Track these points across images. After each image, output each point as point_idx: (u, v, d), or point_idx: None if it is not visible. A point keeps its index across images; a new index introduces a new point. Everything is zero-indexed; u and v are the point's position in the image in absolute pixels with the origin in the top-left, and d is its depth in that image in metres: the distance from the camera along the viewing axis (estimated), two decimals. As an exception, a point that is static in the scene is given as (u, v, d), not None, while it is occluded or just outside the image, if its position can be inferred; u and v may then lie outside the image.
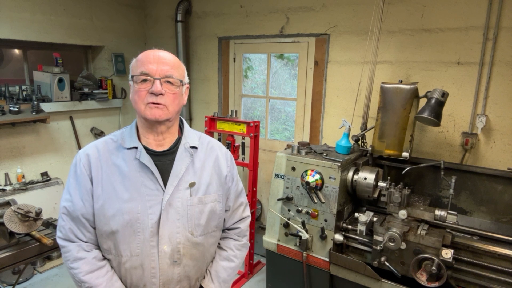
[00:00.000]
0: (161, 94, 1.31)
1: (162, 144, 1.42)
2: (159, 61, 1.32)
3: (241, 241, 1.62)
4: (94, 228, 1.38)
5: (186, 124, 1.52)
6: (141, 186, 1.35)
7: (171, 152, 1.42)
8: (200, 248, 1.45)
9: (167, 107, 1.33)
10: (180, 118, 1.51)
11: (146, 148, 1.39)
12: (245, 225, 1.64)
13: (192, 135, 1.50)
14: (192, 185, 1.41)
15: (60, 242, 1.39)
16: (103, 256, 1.40)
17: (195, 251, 1.44)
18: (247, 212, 1.66)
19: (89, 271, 1.34)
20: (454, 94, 2.87)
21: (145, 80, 1.31)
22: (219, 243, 1.59)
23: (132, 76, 1.34)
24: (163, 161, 1.40)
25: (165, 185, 1.37)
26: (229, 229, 1.61)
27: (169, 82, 1.33)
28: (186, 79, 1.42)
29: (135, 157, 1.37)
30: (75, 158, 1.41)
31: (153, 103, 1.31)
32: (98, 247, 1.41)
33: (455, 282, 2.19)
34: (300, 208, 2.62)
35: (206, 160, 1.48)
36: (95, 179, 1.36)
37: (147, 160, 1.36)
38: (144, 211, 1.34)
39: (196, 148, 1.47)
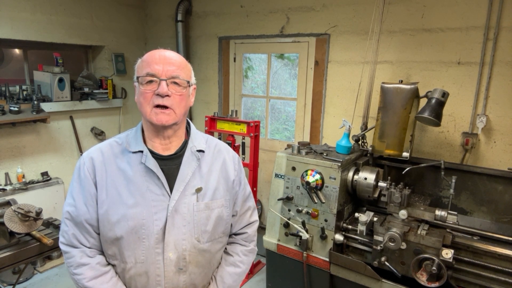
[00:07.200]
0: (167, 95, 1.26)
1: (168, 148, 1.37)
2: (165, 61, 1.28)
3: (248, 246, 1.57)
4: (98, 234, 1.34)
5: (193, 127, 1.47)
6: (147, 191, 1.31)
7: (178, 156, 1.37)
8: (206, 255, 1.41)
9: (173, 110, 1.28)
10: (187, 120, 1.46)
11: (152, 152, 1.34)
12: (252, 230, 1.59)
13: (199, 138, 1.45)
14: (198, 190, 1.36)
15: (63, 247, 1.35)
16: (107, 261, 1.36)
17: (202, 258, 1.39)
18: (255, 217, 1.61)
19: (93, 277, 1.30)
20: (454, 94, 2.87)
21: (150, 81, 1.27)
22: (225, 248, 1.54)
23: (137, 77, 1.30)
24: (169, 165, 1.36)
25: (171, 190, 1.33)
26: (236, 234, 1.56)
27: (175, 83, 1.28)
28: (193, 80, 1.38)
29: (140, 161, 1.32)
30: (78, 162, 1.37)
31: (159, 106, 1.26)
32: (102, 252, 1.37)
33: (455, 282, 2.19)
34: (300, 208, 2.62)
35: (213, 164, 1.43)
36: (100, 183, 1.32)
37: (153, 164, 1.32)
38: (149, 217, 1.30)
39: (203, 151, 1.42)
